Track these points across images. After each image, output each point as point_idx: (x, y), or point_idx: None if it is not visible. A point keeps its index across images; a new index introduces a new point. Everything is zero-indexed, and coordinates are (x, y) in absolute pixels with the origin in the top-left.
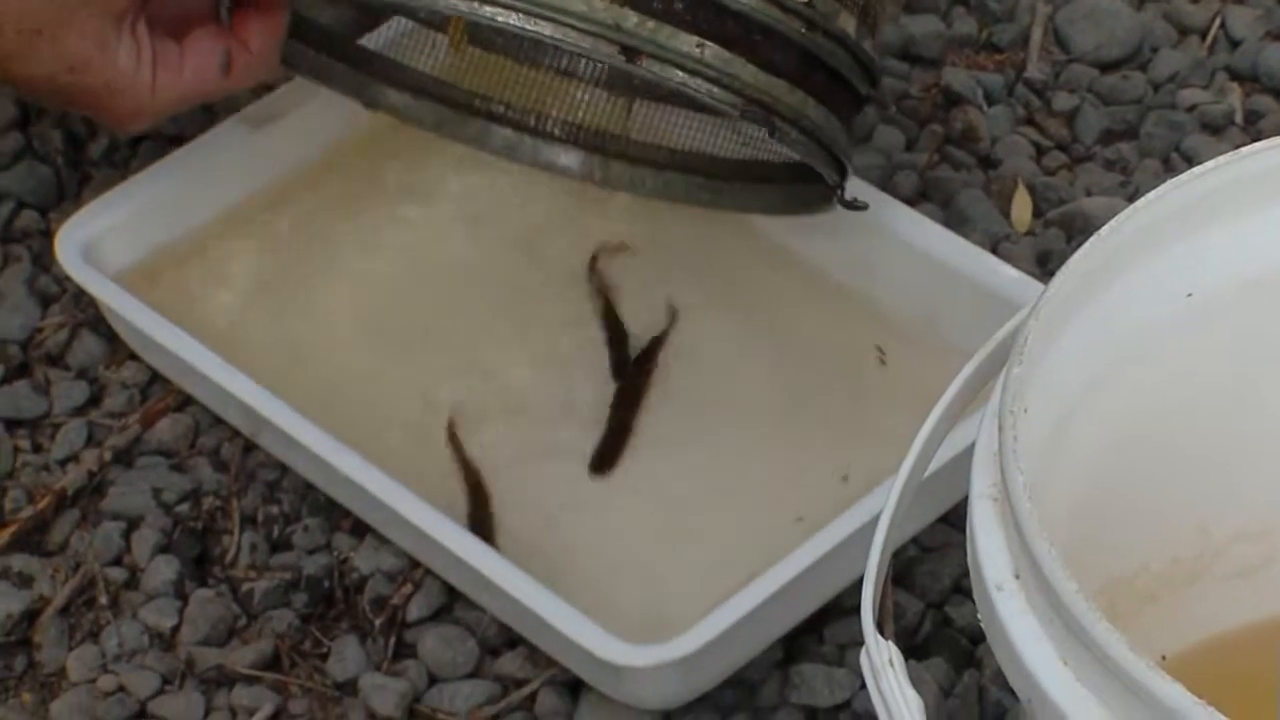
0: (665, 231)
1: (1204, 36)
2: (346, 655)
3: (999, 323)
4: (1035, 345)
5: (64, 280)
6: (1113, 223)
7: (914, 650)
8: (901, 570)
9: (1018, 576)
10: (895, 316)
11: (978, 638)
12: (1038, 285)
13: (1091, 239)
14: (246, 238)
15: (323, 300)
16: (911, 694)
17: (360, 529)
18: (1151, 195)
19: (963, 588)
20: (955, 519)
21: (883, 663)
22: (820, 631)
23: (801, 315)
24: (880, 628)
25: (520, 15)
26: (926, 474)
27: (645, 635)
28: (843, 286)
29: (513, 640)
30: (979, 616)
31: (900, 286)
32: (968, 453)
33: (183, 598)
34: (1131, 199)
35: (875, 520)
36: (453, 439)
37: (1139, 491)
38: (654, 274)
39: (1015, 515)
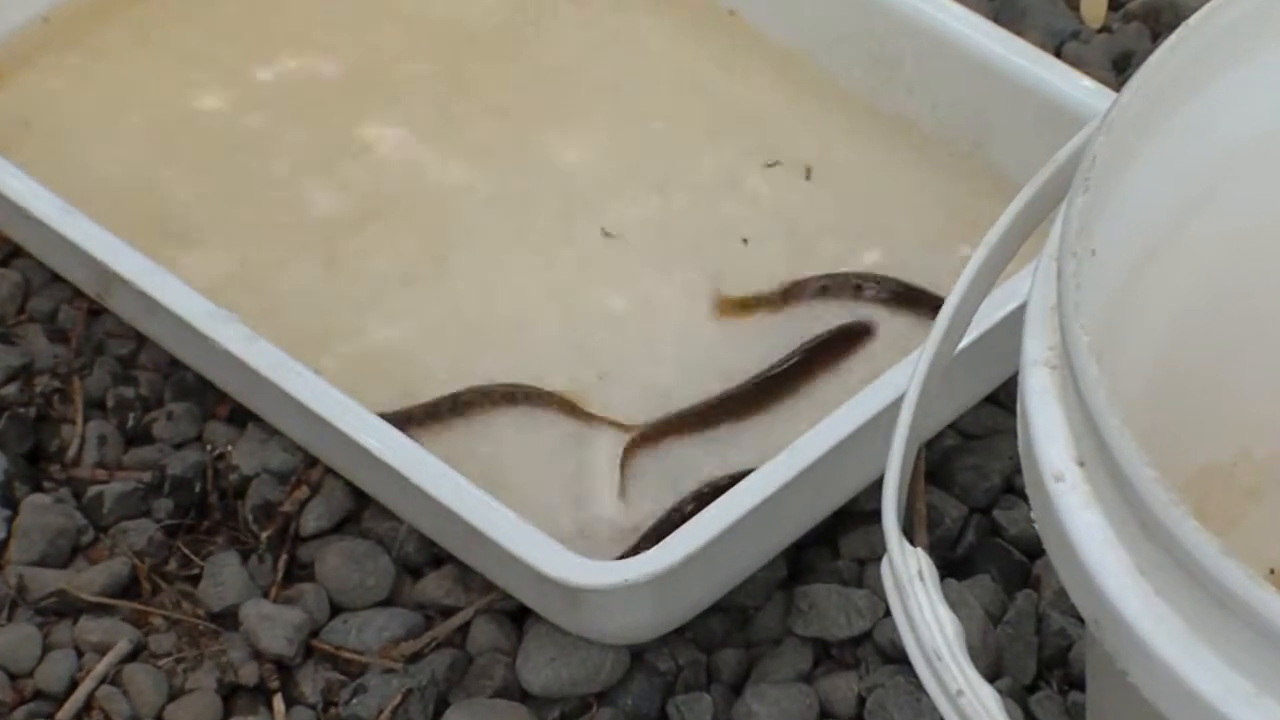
0: None
1: None
2: (224, 578)
3: (1063, 143)
4: (1105, 169)
5: None
6: (1205, 10)
7: (954, 566)
8: (938, 464)
9: (1082, 464)
10: (934, 137)
11: (1035, 550)
12: (1112, 95)
13: (1177, 32)
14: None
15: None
16: (946, 614)
17: (240, 416)
18: None
19: (1016, 486)
20: (1006, 399)
21: (910, 575)
22: (834, 543)
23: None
24: (909, 535)
25: None
26: (967, 340)
27: (602, 549)
28: (870, 103)
29: (437, 558)
30: (1033, 517)
31: (940, 99)
32: (1020, 312)
33: (11, 505)
34: None
35: (900, 401)
36: None
37: (1237, 358)
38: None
39: (1078, 385)
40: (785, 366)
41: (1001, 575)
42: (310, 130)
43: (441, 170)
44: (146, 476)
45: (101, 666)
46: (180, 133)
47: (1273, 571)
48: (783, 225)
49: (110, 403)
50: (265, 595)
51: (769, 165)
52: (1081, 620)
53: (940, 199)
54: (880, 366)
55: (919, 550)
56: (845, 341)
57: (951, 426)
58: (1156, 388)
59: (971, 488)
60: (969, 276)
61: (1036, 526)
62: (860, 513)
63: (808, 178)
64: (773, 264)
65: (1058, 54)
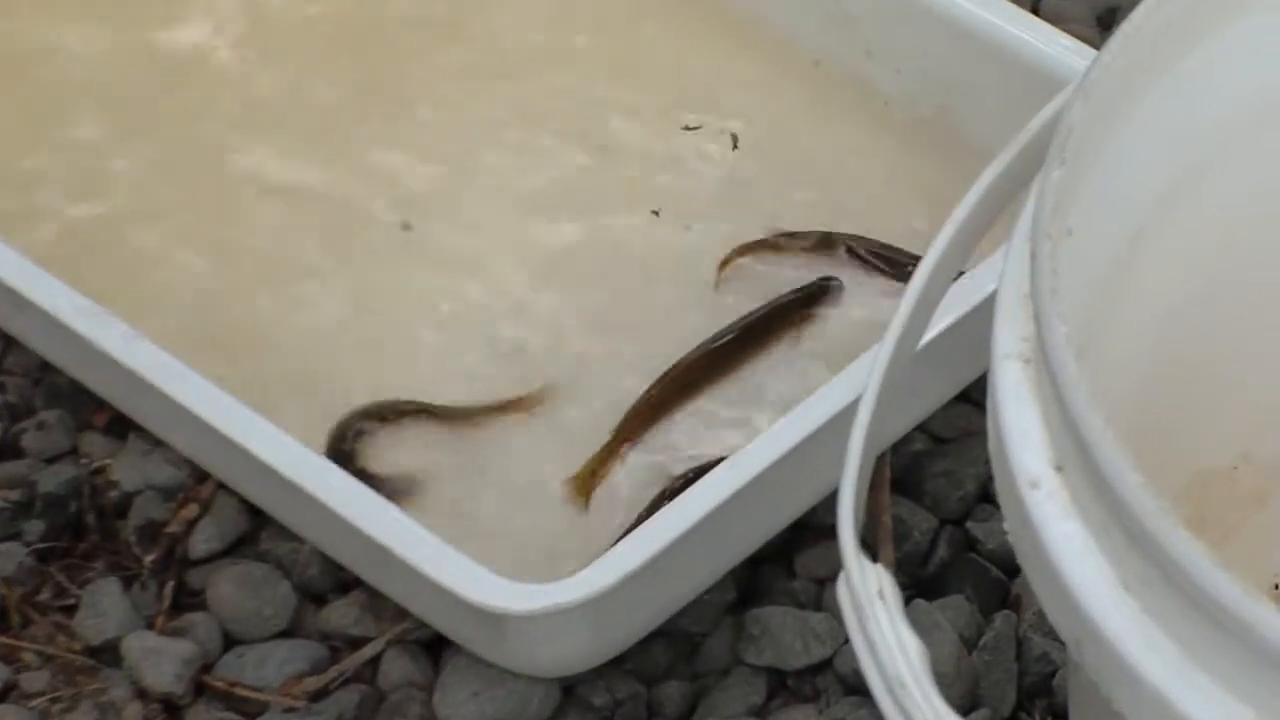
0: None
1: None
2: (104, 607)
3: (1038, 109)
4: (1084, 139)
5: None
6: None
7: (924, 585)
8: (905, 471)
9: (1060, 469)
10: (895, 102)
11: (1014, 566)
12: (1093, 54)
13: None
14: None
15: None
16: (910, 637)
17: (120, 426)
18: None
19: (992, 495)
20: (981, 397)
21: (868, 594)
22: (790, 561)
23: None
24: (872, 550)
25: None
26: (934, 332)
27: (530, 571)
28: (822, 62)
29: (344, 583)
30: (1006, 528)
31: (902, 60)
32: (992, 300)
33: None
34: None
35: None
36: None
37: (1238, 349)
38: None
39: (1055, 380)
40: (734, 334)
41: (977, 594)
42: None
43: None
44: (15, 495)
45: None
46: None
47: (1277, 586)
48: (721, 198)
49: None
50: (150, 626)
51: (690, 129)
52: (1064, 643)
53: (902, 172)
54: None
55: (879, 566)
56: (804, 304)
57: (920, 428)
58: (1146, 384)
59: (943, 497)
60: (933, 259)
61: (1010, 539)
62: (818, 526)
63: (735, 146)
64: (708, 240)
65: (1035, 10)
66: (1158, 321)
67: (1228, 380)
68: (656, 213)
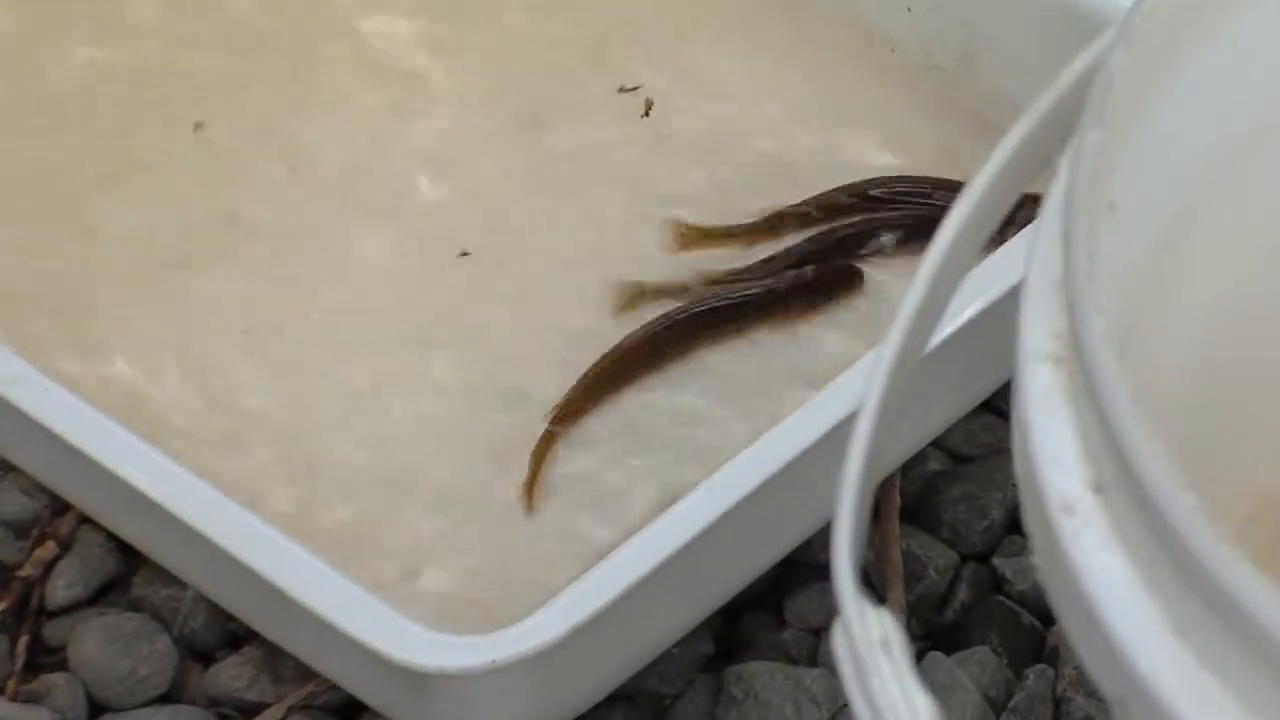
0: None
1: None
2: None
3: (1073, 58)
4: (1127, 95)
5: None
6: None
7: (942, 634)
8: (919, 497)
9: (1098, 490)
10: (907, 50)
11: (1050, 612)
12: None
13: None
14: None
15: None
16: (921, 697)
17: None
18: None
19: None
20: (1008, 405)
21: (870, 645)
22: (778, 606)
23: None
24: (877, 592)
25: None
26: (949, 329)
27: (459, 621)
28: (823, 7)
29: (235, 637)
30: (1035, 559)
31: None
32: (1018, 290)
33: None
34: None
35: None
36: None
37: None
38: None
39: (1093, 385)
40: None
41: (1006, 645)
42: None
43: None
44: None
45: None
46: None
47: None
48: (704, 163)
49: None
50: (0, 691)
51: (627, 88)
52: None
53: (914, 131)
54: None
55: (883, 611)
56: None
57: (935, 444)
58: (1202, 388)
59: (964, 528)
60: (945, 241)
61: (1039, 575)
62: (812, 565)
63: (647, 113)
64: (697, 206)
65: None
66: (1213, 310)
67: None
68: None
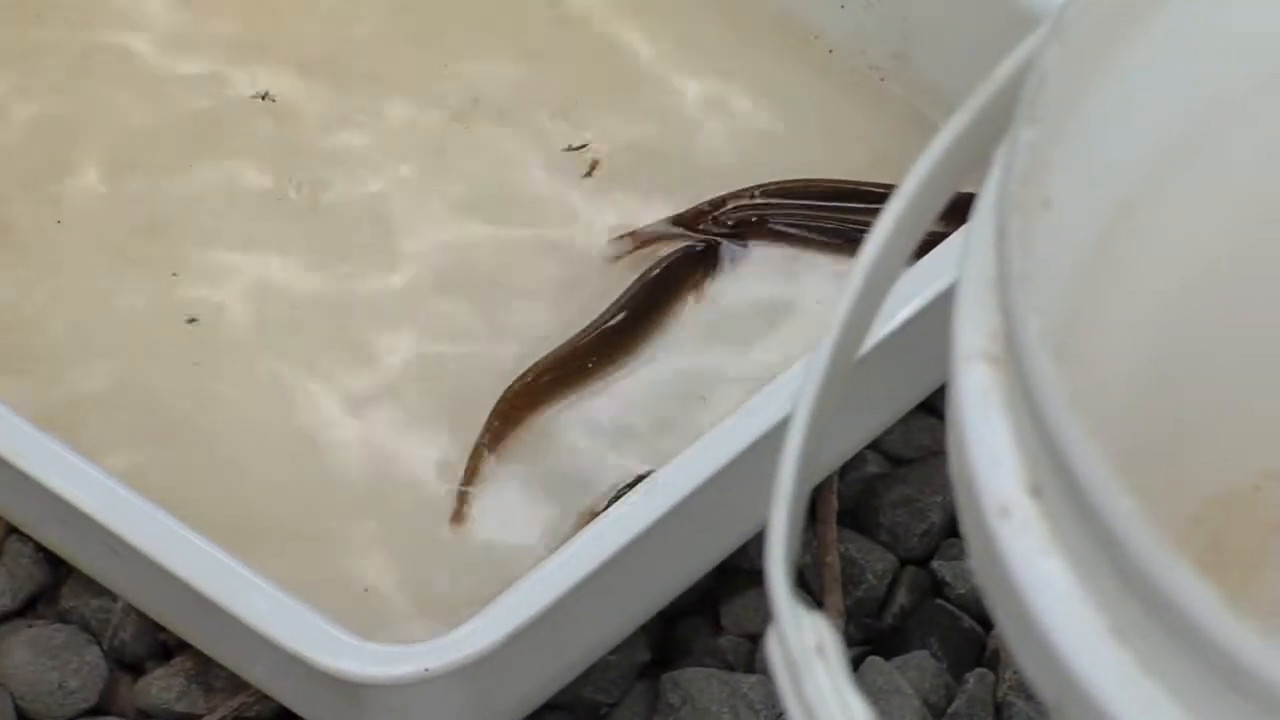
0: None
1: None
2: None
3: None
4: (1062, 90)
5: None
6: None
7: (881, 639)
8: (857, 500)
9: (1036, 493)
10: (840, 48)
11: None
12: None
13: None
14: None
15: None
16: (858, 705)
17: None
18: None
19: None
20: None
21: (804, 651)
22: (715, 612)
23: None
24: (815, 597)
25: None
26: (886, 330)
27: (389, 630)
28: (754, 4)
29: (166, 648)
30: (971, 563)
31: None
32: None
33: None
34: None
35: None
36: None
37: (1254, 344)
38: None
39: (1029, 384)
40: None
41: (946, 650)
42: None
43: None
44: None
45: None
46: None
47: None
48: (635, 170)
49: None
50: None
51: (575, 147)
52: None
53: (847, 131)
54: None
55: (818, 616)
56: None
57: (873, 447)
58: (1144, 389)
59: (903, 531)
60: (879, 240)
61: (975, 579)
62: (749, 570)
63: (590, 173)
64: (607, 213)
65: None
66: (1155, 309)
67: (1246, 382)
68: None
